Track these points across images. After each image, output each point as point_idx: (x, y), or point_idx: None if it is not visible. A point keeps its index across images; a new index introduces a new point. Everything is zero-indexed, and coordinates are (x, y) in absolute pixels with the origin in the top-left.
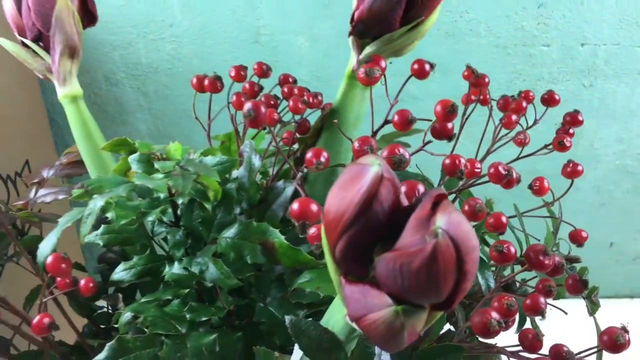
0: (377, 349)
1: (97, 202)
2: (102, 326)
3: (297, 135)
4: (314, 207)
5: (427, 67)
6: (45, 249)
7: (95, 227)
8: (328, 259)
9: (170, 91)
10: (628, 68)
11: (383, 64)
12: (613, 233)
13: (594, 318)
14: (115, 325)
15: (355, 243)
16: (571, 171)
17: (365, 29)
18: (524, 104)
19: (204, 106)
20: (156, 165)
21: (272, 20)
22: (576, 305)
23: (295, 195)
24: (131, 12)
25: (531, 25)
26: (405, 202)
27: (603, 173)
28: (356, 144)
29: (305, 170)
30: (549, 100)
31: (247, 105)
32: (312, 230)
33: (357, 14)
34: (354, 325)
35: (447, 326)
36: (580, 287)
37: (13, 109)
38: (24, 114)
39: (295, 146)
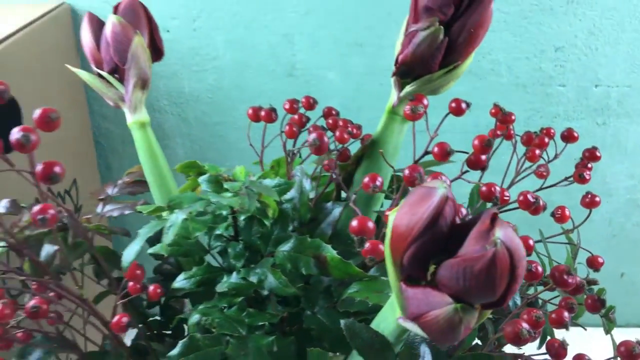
0: (421, 351)
1: (178, 216)
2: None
3: (338, 162)
4: (370, 224)
5: (464, 105)
6: (129, 256)
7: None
8: (390, 266)
9: (209, 118)
10: (638, 108)
11: (425, 102)
12: (624, 264)
13: (611, 335)
14: (167, 332)
15: (421, 252)
16: (589, 202)
17: (407, 71)
18: (546, 139)
19: (238, 134)
20: (225, 186)
21: (307, 56)
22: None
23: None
24: (179, 47)
25: (549, 67)
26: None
27: (615, 206)
28: (407, 172)
29: (356, 193)
30: (569, 137)
31: (313, 136)
32: (366, 245)
33: (402, 57)
34: (409, 325)
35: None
36: (598, 306)
37: (65, 132)
38: (73, 137)
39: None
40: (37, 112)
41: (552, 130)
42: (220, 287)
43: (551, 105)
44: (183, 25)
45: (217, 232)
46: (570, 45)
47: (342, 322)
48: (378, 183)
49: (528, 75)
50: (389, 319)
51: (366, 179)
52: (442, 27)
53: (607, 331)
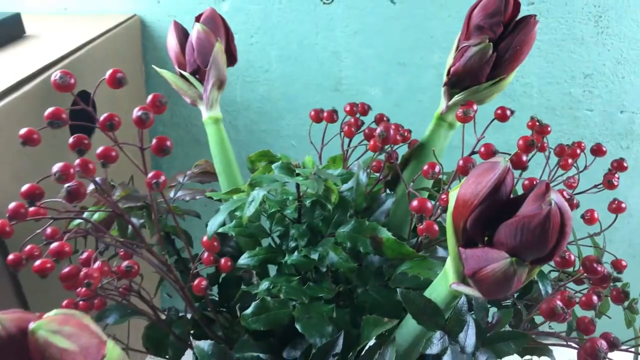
0: (467, 319)
1: (259, 192)
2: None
3: (387, 163)
4: (429, 204)
5: (508, 112)
6: (213, 226)
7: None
8: (451, 234)
9: (257, 126)
10: None
11: (475, 107)
12: None
13: (634, 327)
14: (223, 310)
15: (483, 215)
16: (616, 207)
17: (457, 81)
18: (578, 151)
19: (283, 142)
20: (297, 171)
21: (353, 73)
22: None
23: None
24: None
25: (577, 92)
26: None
27: (635, 227)
28: (461, 162)
29: (413, 181)
30: (597, 151)
31: (380, 128)
32: (420, 227)
33: (453, 69)
34: (462, 288)
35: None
36: (622, 297)
37: (126, 131)
38: (132, 136)
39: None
40: (149, 97)
41: (583, 144)
42: (288, 261)
43: (579, 128)
44: (241, 39)
45: (288, 211)
46: (598, 73)
47: (398, 290)
48: (437, 170)
49: (558, 99)
50: (441, 288)
51: (426, 167)
52: (491, 43)
53: (629, 323)
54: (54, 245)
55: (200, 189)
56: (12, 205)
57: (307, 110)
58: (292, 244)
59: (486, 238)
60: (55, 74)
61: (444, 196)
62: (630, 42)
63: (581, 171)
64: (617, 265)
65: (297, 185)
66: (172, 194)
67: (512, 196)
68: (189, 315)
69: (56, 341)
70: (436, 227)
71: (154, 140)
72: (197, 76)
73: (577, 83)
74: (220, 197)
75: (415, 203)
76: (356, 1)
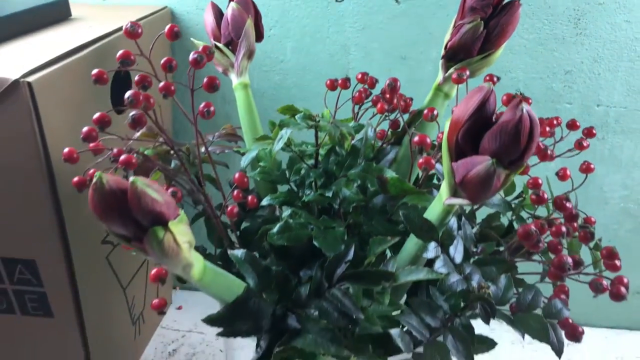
0: (456, 235)
1: (287, 131)
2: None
3: (390, 129)
4: (428, 140)
5: (495, 79)
6: (246, 160)
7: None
8: (446, 154)
9: (268, 112)
10: (632, 127)
11: (468, 72)
12: None
13: (599, 265)
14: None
15: (472, 128)
16: (586, 168)
17: (453, 55)
18: (555, 122)
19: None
20: (318, 120)
21: (359, 64)
22: None
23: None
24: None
25: (558, 86)
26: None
27: (609, 214)
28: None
29: (414, 131)
30: (572, 125)
31: (389, 80)
32: (420, 161)
33: (450, 43)
34: (453, 200)
35: None
36: (589, 237)
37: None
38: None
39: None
40: (205, 79)
41: (560, 119)
42: (305, 199)
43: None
44: None
45: (304, 165)
46: (577, 70)
47: (401, 212)
48: (435, 113)
49: (541, 93)
50: (436, 208)
51: (426, 111)
52: (482, 22)
53: (596, 263)
54: (123, 156)
55: (228, 146)
56: (85, 129)
57: (317, 98)
58: (308, 191)
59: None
60: (126, 24)
61: (439, 134)
62: (605, 43)
63: (557, 141)
64: (588, 221)
65: (316, 133)
66: (203, 149)
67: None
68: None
69: (149, 192)
70: (433, 161)
71: (205, 79)
72: (229, 47)
73: (558, 78)
74: (247, 150)
75: (416, 138)
76: (364, 0)
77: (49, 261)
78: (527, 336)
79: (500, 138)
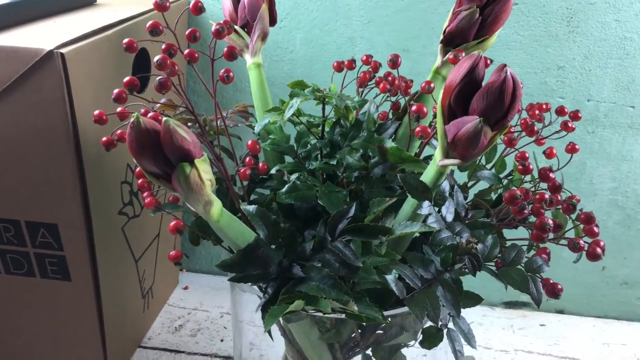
0: (447, 195)
1: (297, 100)
2: None
3: (392, 110)
4: (425, 109)
5: (489, 61)
6: (259, 126)
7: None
8: (440, 119)
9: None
10: (621, 122)
11: (464, 54)
12: (605, 258)
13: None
14: None
15: (463, 92)
16: (571, 148)
17: (450, 39)
18: (544, 107)
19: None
20: (325, 93)
21: None
22: None
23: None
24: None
25: (552, 81)
26: None
27: (599, 205)
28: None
29: (414, 106)
30: (560, 112)
31: (390, 56)
32: (417, 129)
33: (448, 29)
34: (446, 161)
35: None
36: (571, 209)
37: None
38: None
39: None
40: (225, 49)
41: (549, 104)
42: (311, 167)
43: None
44: None
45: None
46: (569, 66)
47: (398, 175)
48: (432, 86)
49: (535, 87)
50: (430, 171)
51: (423, 84)
52: (478, 9)
53: (577, 232)
54: (151, 114)
55: (241, 120)
56: (116, 90)
57: (324, 86)
58: (314, 163)
59: None
60: None
61: (435, 106)
62: (596, 41)
63: (546, 126)
64: (571, 198)
65: (323, 105)
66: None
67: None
68: None
69: (179, 130)
70: (429, 129)
71: (226, 48)
72: (245, 29)
73: (552, 74)
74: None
75: (414, 107)
76: None
77: (70, 226)
78: (515, 322)
79: (486, 98)
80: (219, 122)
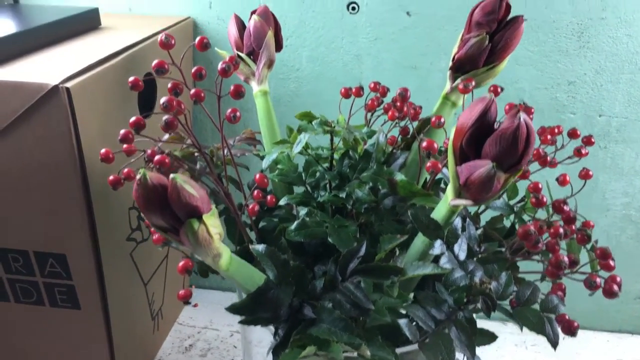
0: (460, 234)
1: (305, 135)
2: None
3: (401, 136)
4: (435, 145)
5: (499, 89)
6: (267, 161)
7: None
8: (451, 159)
9: (285, 117)
10: (633, 136)
11: (473, 83)
12: (618, 273)
13: (595, 266)
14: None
15: (475, 134)
16: (584, 174)
17: (460, 66)
18: (556, 130)
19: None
20: (334, 125)
21: (371, 74)
22: None
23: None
24: None
25: (563, 97)
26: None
27: (611, 220)
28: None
29: (422, 137)
30: (573, 134)
31: (399, 90)
32: (428, 165)
33: (457, 56)
34: (457, 201)
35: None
36: (585, 239)
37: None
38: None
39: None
40: (232, 87)
41: (561, 127)
42: (320, 199)
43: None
44: None
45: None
46: (580, 81)
47: (409, 211)
48: (442, 120)
49: (546, 103)
50: (441, 209)
51: (433, 118)
52: (487, 36)
53: (593, 267)
54: (157, 157)
55: (248, 149)
56: (122, 131)
57: (330, 105)
58: (322, 193)
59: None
60: (160, 35)
61: (446, 140)
62: (607, 55)
63: (558, 149)
64: (586, 225)
65: (331, 138)
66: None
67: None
68: None
69: (187, 187)
70: (440, 165)
71: (232, 87)
72: (251, 57)
73: (562, 89)
74: (266, 154)
75: (424, 143)
76: (377, 12)
77: (78, 256)
78: (529, 338)
79: (499, 144)
80: (225, 154)
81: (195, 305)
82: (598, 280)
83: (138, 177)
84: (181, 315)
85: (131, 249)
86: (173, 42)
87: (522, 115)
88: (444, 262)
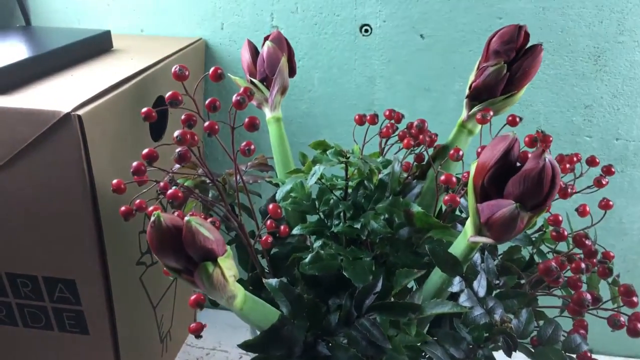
0: (479, 269)
1: (320, 167)
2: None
3: (416, 162)
4: (454, 179)
5: (518, 119)
6: (281, 193)
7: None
8: (471, 196)
9: (297, 139)
10: None
11: (491, 113)
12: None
13: (617, 300)
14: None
15: (497, 173)
16: (605, 204)
17: (477, 95)
18: (575, 159)
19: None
20: (348, 156)
21: (384, 95)
22: None
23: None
24: None
25: (579, 120)
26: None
27: (629, 244)
28: (479, 149)
29: (439, 167)
30: (592, 162)
31: (417, 121)
32: (445, 198)
33: (474, 84)
34: (478, 238)
35: None
36: (607, 272)
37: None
38: None
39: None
40: (246, 120)
41: (580, 155)
42: (335, 230)
43: (579, 152)
44: None
45: (337, 193)
46: (597, 105)
47: (427, 246)
48: (460, 154)
49: (562, 126)
50: (460, 244)
51: (452, 151)
52: (505, 65)
53: (614, 299)
54: (170, 191)
55: (261, 176)
56: (134, 163)
57: (343, 127)
58: (336, 221)
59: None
60: (174, 67)
61: (465, 174)
62: (624, 79)
63: (577, 177)
64: (606, 256)
65: (346, 167)
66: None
67: (518, 164)
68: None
69: (202, 230)
70: (458, 198)
71: (247, 119)
72: (264, 83)
73: (579, 112)
74: (279, 181)
75: (442, 177)
76: (390, 34)
77: (87, 281)
78: None
79: (524, 184)
80: (238, 181)
81: (204, 326)
82: (622, 319)
83: (152, 219)
84: (190, 337)
85: (141, 272)
86: (187, 73)
87: (547, 157)
88: (463, 299)
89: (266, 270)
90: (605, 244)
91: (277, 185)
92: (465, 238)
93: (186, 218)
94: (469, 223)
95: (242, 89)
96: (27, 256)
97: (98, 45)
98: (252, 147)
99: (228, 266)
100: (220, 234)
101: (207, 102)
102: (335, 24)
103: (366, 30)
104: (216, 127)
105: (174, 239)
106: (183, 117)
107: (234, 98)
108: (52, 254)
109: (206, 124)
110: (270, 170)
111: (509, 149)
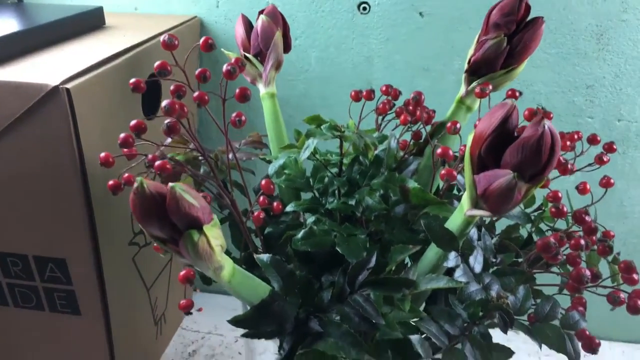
0: (475, 244)
1: (313, 141)
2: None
3: (413, 140)
4: (450, 152)
5: (517, 93)
6: (274, 167)
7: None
8: (468, 167)
9: (293, 120)
10: None
11: (490, 87)
12: None
13: (617, 278)
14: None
15: (495, 142)
16: (605, 182)
17: (476, 69)
18: (575, 137)
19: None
20: (343, 130)
21: (382, 75)
22: None
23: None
24: None
25: (580, 101)
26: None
27: (629, 228)
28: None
29: (436, 142)
30: (593, 140)
31: (413, 94)
32: (442, 172)
33: (473, 58)
34: (474, 212)
35: None
36: (607, 250)
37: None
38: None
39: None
40: (237, 90)
41: (580, 133)
42: (329, 206)
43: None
44: None
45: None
46: (599, 85)
47: (422, 221)
48: (458, 126)
49: (562, 107)
50: (456, 218)
51: (449, 124)
52: (505, 38)
53: (613, 277)
54: (158, 162)
55: (254, 153)
56: (122, 135)
57: (340, 107)
58: (331, 199)
59: None
60: (163, 36)
61: (462, 147)
62: (627, 59)
63: (578, 155)
64: (607, 235)
65: (341, 142)
66: (230, 156)
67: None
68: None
69: (186, 196)
70: (455, 172)
71: (237, 90)
72: (258, 58)
73: (580, 93)
74: (272, 159)
75: (439, 150)
76: (389, 12)
77: (79, 261)
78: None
79: (522, 153)
80: (230, 158)
81: (199, 310)
82: (622, 295)
83: (135, 185)
84: (185, 320)
85: (133, 253)
86: (176, 42)
87: (547, 123)
88: (458, 275)
89: (260, 250)
90: (606, 227)
91: (270, 163)
92: (461, 212)
93: (170, 184)
94: (465, 196)
95: (233, 59)
96: (16, 234)
97: (90, 22)
98: (243, 118)
99: (214, 235)
100: (213, 211)
101: (197, 72)
102: (332, 2)
103: (364, 8)
104: (206, 97)
105: (158, 206)
106: (172, 87)
107: (224, 68)
108: (41, 232)
109: (195, 94)
110: (264, 147)
111: (507, 117)
